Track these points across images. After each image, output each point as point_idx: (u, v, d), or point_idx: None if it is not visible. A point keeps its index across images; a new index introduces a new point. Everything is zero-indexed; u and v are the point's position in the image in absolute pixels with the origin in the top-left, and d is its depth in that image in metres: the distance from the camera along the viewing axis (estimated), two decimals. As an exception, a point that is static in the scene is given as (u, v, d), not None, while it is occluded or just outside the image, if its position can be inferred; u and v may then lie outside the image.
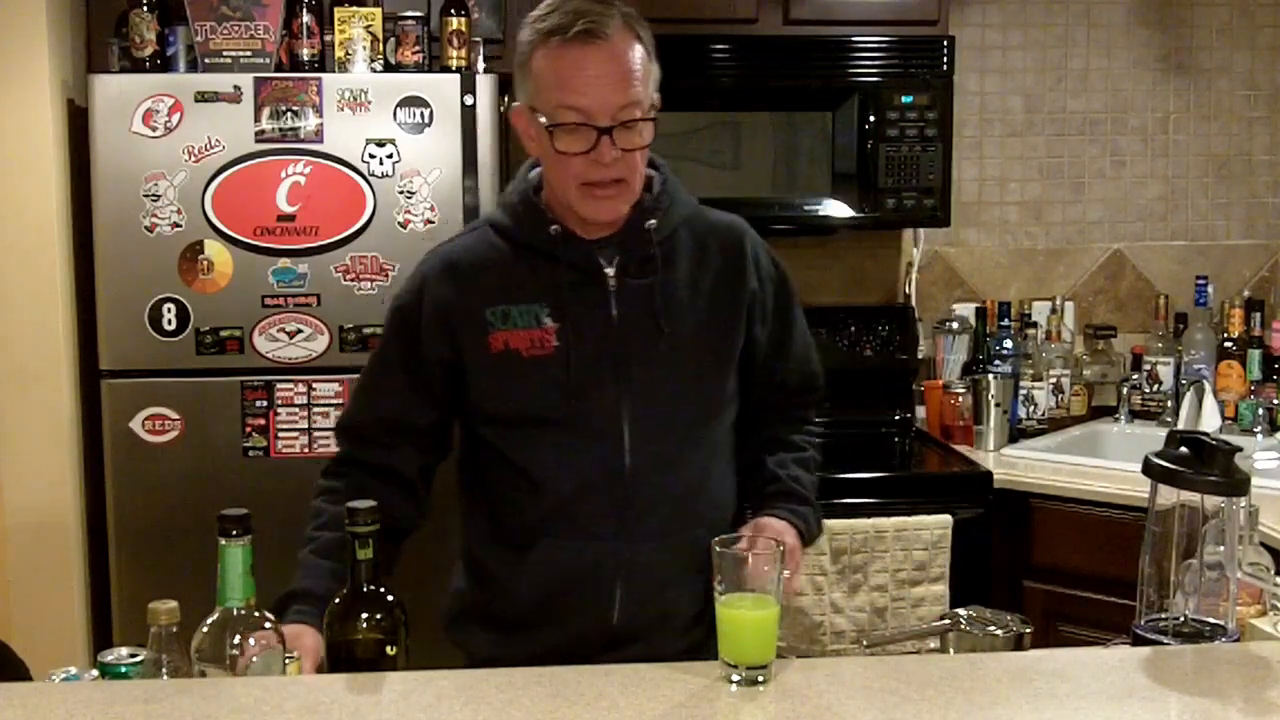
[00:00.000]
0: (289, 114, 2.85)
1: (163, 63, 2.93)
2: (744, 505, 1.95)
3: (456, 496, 1.97)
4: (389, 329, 1.90)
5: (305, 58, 2.94)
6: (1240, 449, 1.63)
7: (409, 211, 2.88)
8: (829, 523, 2.50)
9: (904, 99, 3.25)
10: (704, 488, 1.86)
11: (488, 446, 1.84)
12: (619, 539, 1.78)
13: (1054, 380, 3.52)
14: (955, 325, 3.57)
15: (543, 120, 1.73)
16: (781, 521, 1.83)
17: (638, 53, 1.73)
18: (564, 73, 1.71)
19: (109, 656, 1.54)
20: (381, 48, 2.96)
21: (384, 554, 1.74)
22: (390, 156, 2.87)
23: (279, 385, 2.89)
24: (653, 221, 1.81)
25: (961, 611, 1.73)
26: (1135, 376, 3.55)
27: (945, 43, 3.29)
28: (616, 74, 1.70)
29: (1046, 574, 2.99)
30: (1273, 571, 1.77)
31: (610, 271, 1.79)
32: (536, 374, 1.77)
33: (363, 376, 1.94)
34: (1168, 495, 1.63)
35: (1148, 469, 1.64)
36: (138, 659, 1.53)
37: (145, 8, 2.89)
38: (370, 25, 2.93)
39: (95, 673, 1.60)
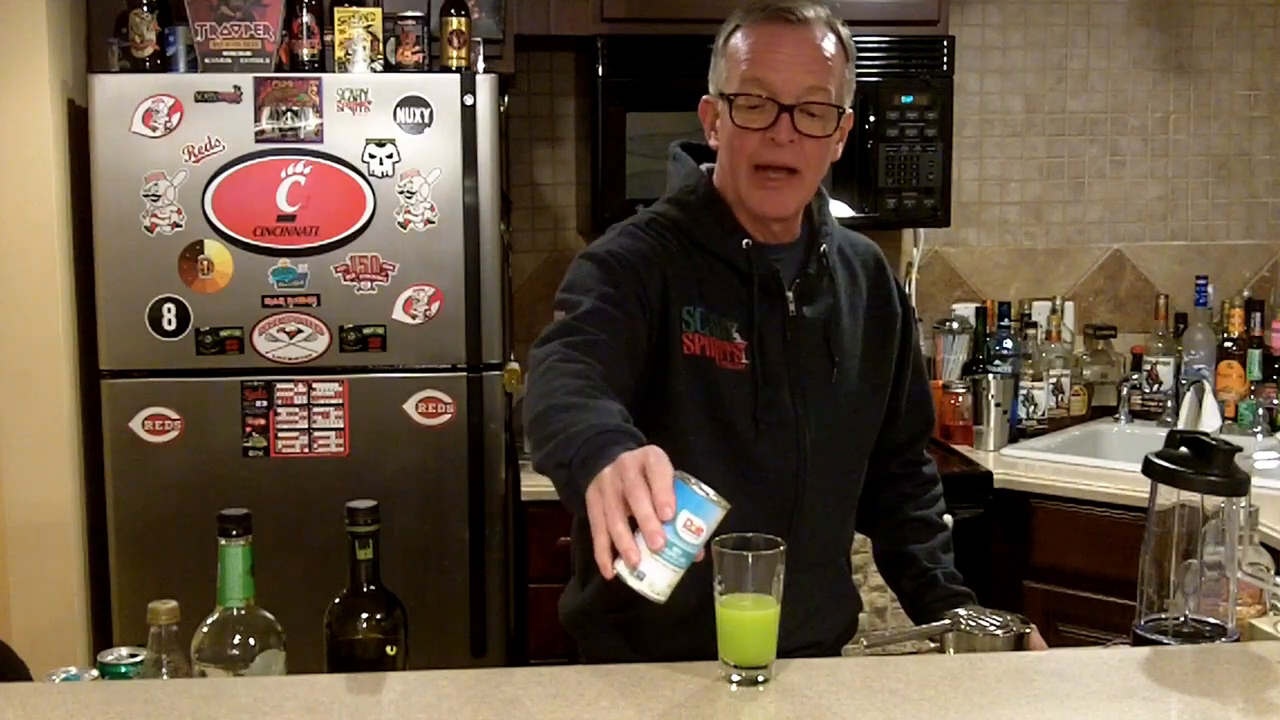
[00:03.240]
0: (289, 114, 2.85)
1: (163, 63, 2.93)
2: (906, 602, 1.93)
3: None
4: (598, 273, 1.66)
5: (305, 58, 2.94)
6: (1240, 449, 1.63)
7: (409, 211, 2.88)
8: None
9: (904, 99, 3.25)
10: (850, 518, 1.86)
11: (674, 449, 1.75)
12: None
13: (1054, 380, 3.52)
14: (955, 325, 3.57)
15: (727, 93, 1.69)
16: None
17: (833, 46, 1.69)
18: (756, 47, 1.69)
19: (109, 656, 1.54)
20: (381, 48, 2.96)
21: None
22: (390, 156, 2.87)
23: (279, 385, 2.89)
24: (825, 245, 1.78)
25: (961, 611, 1.72)
26: (1135, 376, 3.55)
27: (945, 43, 3.29)
28: (808, 56, 1.67)
29: (1046, 574, 2.99)
30: (1273, 571, 1.77)
31: (790, 295, 1.75)
32: (726, 387, 1.70)
33: (584, 299, 1.64)
34: (1168, 495, 1.63)
35: (1148, 469, 1.64)
36: (138, 659, 1.53)
37: (145, 8, 2.89)
38: (370, 25, 2.93)
39: (95, 673, 1.60)
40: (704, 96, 1.79)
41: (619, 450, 1.34)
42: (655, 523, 1.26)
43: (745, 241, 1.73)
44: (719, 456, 1.70)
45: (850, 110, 1.75)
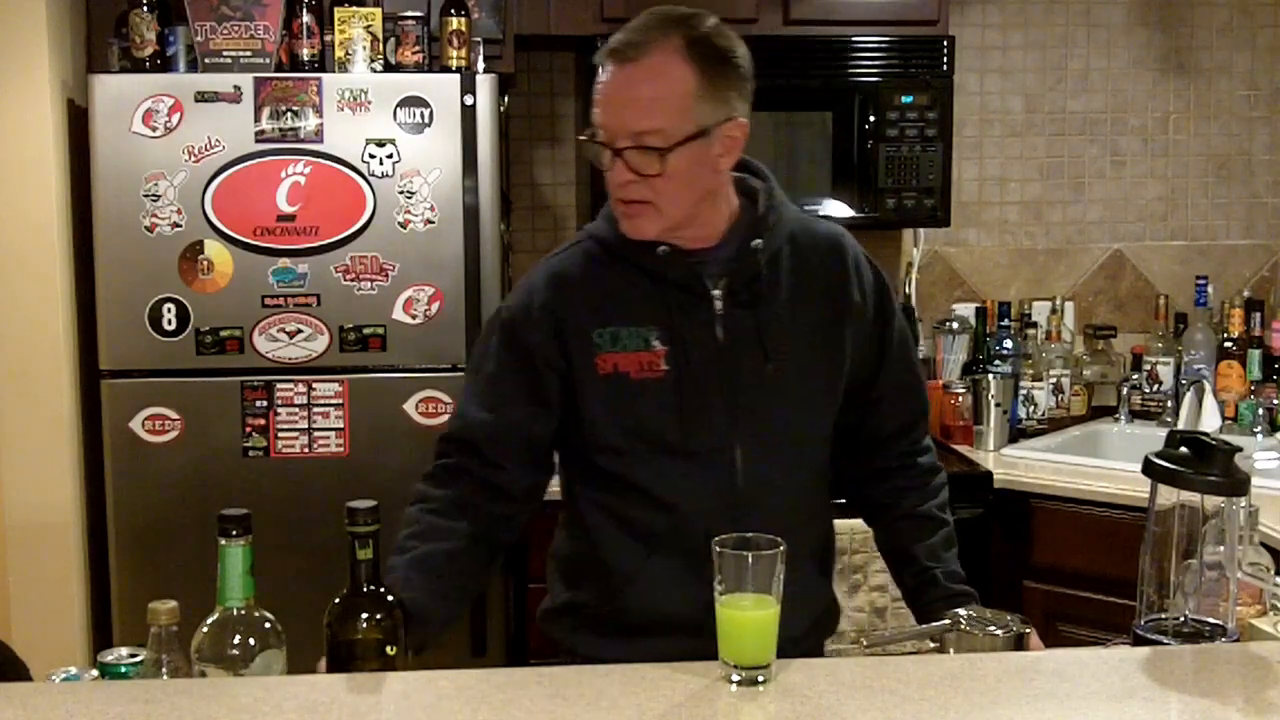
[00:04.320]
0: (289, 114, 2.85)
1: (163, 63, 2.93)
2: (908, 599, 1.94)
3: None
4: (498, 342, 1.84)
5: (305, 58, 2.94)
6: (1240, 449, 1.63)
7: (409, 211, 2.88)
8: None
9: (904, 99, 3.25)
10: (809, 508, 1.86)
11: (600, 466, 1.82)
12: None
13: (1054, 380, 3.52)
14: (955, 325, 3.57)
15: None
16: None
17: (677, 79, 1.69)
18: (596, 87, 1.74)
19: (109, 656, 1.54)
20: (381, 48, 2.96)
21: (473, 577, 1.78)
22: (390, 156, 2.87)
23: (279, 385, 2.89)
24: (759, 241, 1.79)
25: (961, 611, 1.72)
26: (1135, 376, 3.55)
27: (945, 43, 3.29)
28: (634, 98, 1.69)
29: (1046, 574, 2.99)
30: (1273, 571, 1.77)
31: (717, 293, 1.78)
32: (648, 398, 1.76)
33: (473, 387, 1.86)
34: (1168, 495, 1.63)
35: (1148, 469, 1.64)
36: (138, 659, 1.53)
37: (145, 8, 2.89)
38: (370, 25, 2.93)
39: (95, 673, 1.60)
40: None
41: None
42: None
43: (661, 249, 1.77)
44: (652, 462, 1.77)
45: (733, 119, 1.74)
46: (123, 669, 1.52)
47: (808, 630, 1.83)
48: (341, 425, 2.91)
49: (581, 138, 1.77)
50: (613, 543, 1.82)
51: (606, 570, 1.83)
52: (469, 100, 2.87)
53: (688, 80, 1.70)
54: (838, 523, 2.50)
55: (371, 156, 2.87)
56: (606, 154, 1.72)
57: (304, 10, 2.93)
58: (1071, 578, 2.94)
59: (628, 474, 1.79)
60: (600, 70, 1.73)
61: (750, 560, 1.49)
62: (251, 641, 1.51)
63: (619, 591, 1.81)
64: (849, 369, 1.87)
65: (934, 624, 1.74)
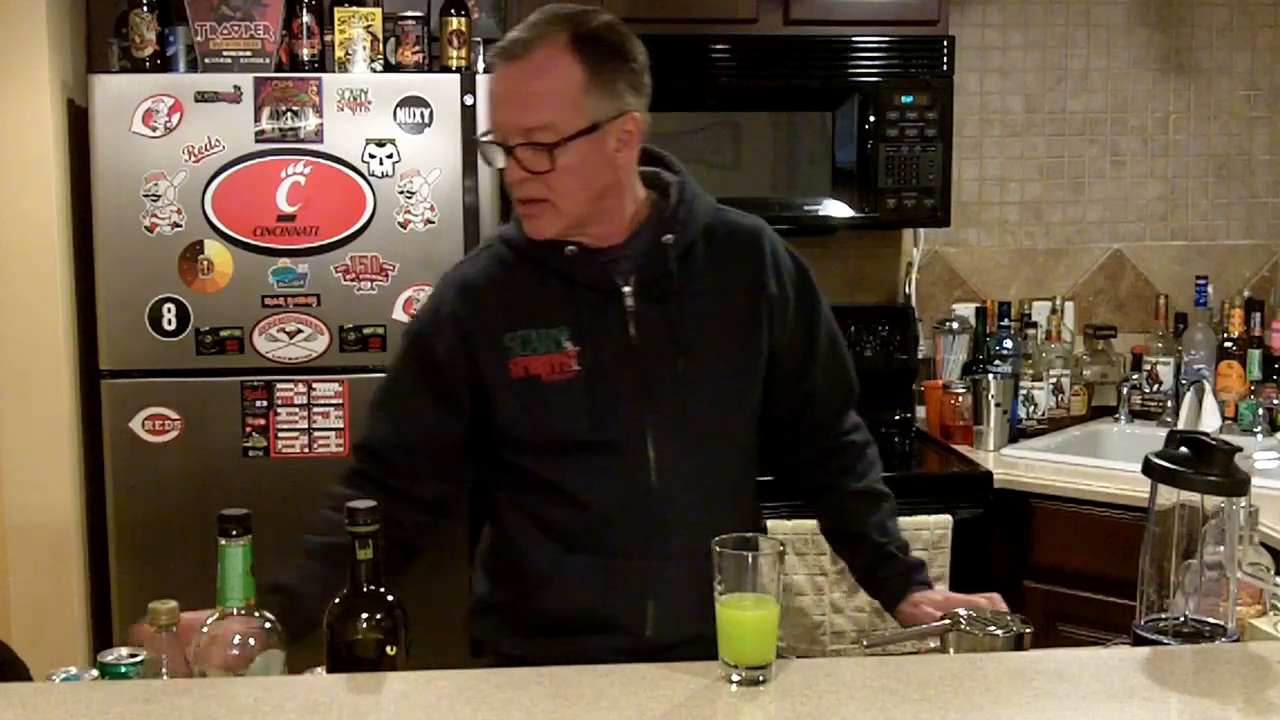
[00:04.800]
0: (289, 114, 2.85)
1: (163, 63, 2.93)
2: (860, 577, 1.95)
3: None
4: (406, 355, 1.87)
5: (305, 58, 2.95)
6: (1240, 449, 1.63)
7: (409, 211, 2.88)
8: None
9: (904, 99, 3.25)
10: (729, 502, 1.86)
11: (517, 467, 1.84)
12: (648, 557, 1.78)
13: (1054, 380, 3.52)
14: (955, 325, 3.57)
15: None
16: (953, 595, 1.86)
17: (564, 74, 1.69)
18: (490, 87, 1.76)
19: (109, 656, 1.54)
20: (381, 48, 2.96)
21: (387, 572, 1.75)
22: (390, 156, 2.87)
23: (279, 385, 2.89)
24: (669, 236, 1.80)
25: (961, 611, 1.72)
26: (1135, 376, 3.55)
27: (945, 43, 3.29)
28: (522, 94, 1.70)
29: (1046, 574, 2.99)
30: (1273, 571, 1.77)
31: (628, 290, 1.78)
32: (559, 399, 1.77)
33: (380, 397, 1.89)
34: (1168, 495, 1.63)
35: (1148, 469, 1.64)
36: (138, 659, 1.52)
37: (145, 8, 2.89)
38: (370, 25, 2.93)
39: (95, 673, 1.60)
40: None
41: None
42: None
43: (569, 249, 1.78)
44: (562, 460, 1.79)
45: (626, 114, 1.74)
46: (123, 669, 1.52)
47: None
48: (341, 425, 2.91)
49: (476, 138, 1.78)
50: (530, 542, 1.83)
51: (525, 569, 1.84)
52: (469, 100, 2.87)
53: (576, 75, 1.70)
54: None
55: (371, 156, 2.87)
56: (499, 153, 1.73)
57: (304, 10, 2.93)
58: (1071, 578, 2.94)
59: (543, 474, 1.80)
60: (492, 70, 1.75)
61: (750, 560, 1.49)
62: (251, 641, 1.51)
63: (537, 590, 1.82)
64: (771, 361, 1.87)
65: (934, 624, 1.74)
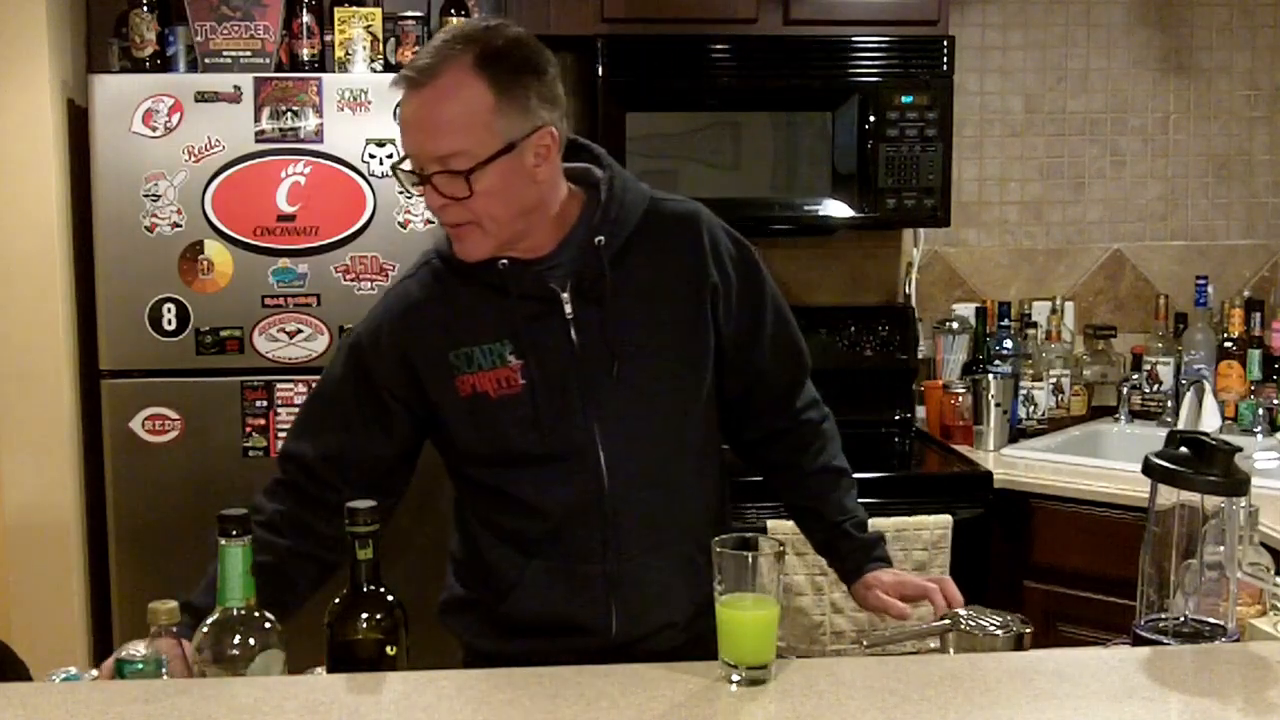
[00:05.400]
0: (289, 114, 2.85)
1: (163, 63, 2.93)
2: (821, 552, 1.97)
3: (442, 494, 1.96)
4: (342, 364, 1.84)
5: (305, 58, 2.95)
6: (1240, 449, 1.63)
7: (409, 211, 2.88)
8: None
9: (904, 99, 3.25)
10: (685, 497, 1.85)
11: (473, 480, 1.84)
12: (607, 559, 1.78)
13: (1054, 380, 3.52)
14: (955, 325, 3.57)
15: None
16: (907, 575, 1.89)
17: (472, 97, 1.65)
18: (399, 114, 1.73)
19: (125, 652, 1.53)
20: (381, 48, 2.96)
21: (288, 591, 1.75)
22: (390, 156, 2.87)
23: (279, 385, 2.89)
24: (601, 238, 1.76)
25: (961, 611, 1.72)
26: (1135, 376, 3.55)
27: (945, 43, 3.29)
28: (432, 122, 1.66)
29: (1046, 574, 2.99)
30: (1273, 571, 1.77)
31: (566, 296, 1.76)
32: (507, 414, 1.76)
33: (308, 406, 1.88)
34: (1168, 495, 1.63)
35: (1148, 469, 1.64)
36: (154, 660, 1.52)
37: (145, 8, 2.89)
38: (370, 25, 2.93)
39: (95, 673, 1.60)
40: None
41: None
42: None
43: (501, 263, 1.75)
44: (514, 472, 1.78)
45: (542, 128, 1.69)
46: (139, 665, 1.51)
47: (698, 613, 1.77)
48: (341, 425, 2.90)
49: (390, 165, 1.76)
50: (494, 550, 1.83)
51: (491, 575, 1.84)
52: (469, 100, 2.87)
53: (483, 97, 1.65)
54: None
55: (371, 156, 2.87)
56: (414, 180, 1.70)
57: (304, 10, 2.93)
58: (1071, 578, 2.94)
59: (499, 485, 1.80)
60: (399, 96, 1.71)
61: (750, 560, 1.49)
62: (251, 641, 1.51)
63: (505, 595, 1.82)
64: (718, 346, 1.85)
65: (934, 624, 1.74)
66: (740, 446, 2.01)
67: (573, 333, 1.76)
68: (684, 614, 1.82)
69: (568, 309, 1.76)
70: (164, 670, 1.51)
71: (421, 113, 1.67)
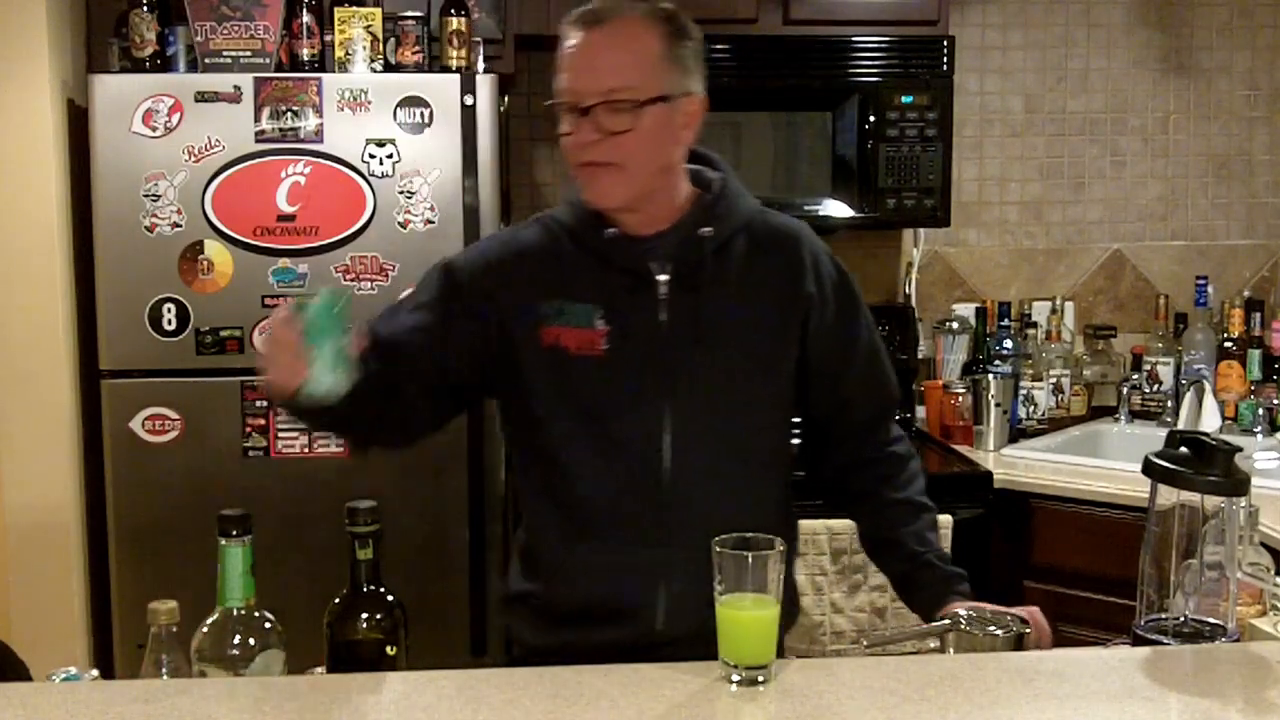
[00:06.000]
0: (289, 114, 2.85)
1: (163, 63, 2.93)
2: (898, 586, 1.94)
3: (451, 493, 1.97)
4: (432, 281, 1.87)
5: (305, 58, 2.94)
6: (1240, 449, 1.63)
7: (409, 211, 2.88)
8: (829, 523, 2.50)
9: (904, 99, 3.25)
10: (745, 498, 1.85)
11: (533, 448, 1.85)
12: (659, 546, 1.78)
13: (1054, 380, 3.52)
14: (955, 325, 3.57)
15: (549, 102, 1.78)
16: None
17: (644, 41, 1.73)
18: (561, 55, 1.76)
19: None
20: (381, 48, 2.96)
21: (366, 399, 1.73)
22: (390, 156, 2.87)
23: (279, 385, 2.89)
24: (707, 229, 1.81)
25: (961, 611, 1.72)
26: (1135, 376, 3.55)
27: (945, 43, 3.29)
28: (602, 57, 1.72)
29: (1046, 574, 2.99)
30: (1273, 571, 1.77)
31: (662, 278, 1.79)
32: (581, 373, 1.78)
33: (401, 303, 1.90)
34: (1168, 495, 1.63)
35: (1148, 469, 1.64)
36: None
37: (145, 8, 2.89)
38: (370, 25, 2.93)
39: (95, 673, 1.60)
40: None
41: None
42: (287, 355, 1.60)
43: (609, 231, 1.80)
44: (582, 440, 1.79)
45: (692, 94, 1.78)
46: (318, 306, 1.60)
47: None
48: (341, 425, 2.90)
49: (546, 104, 1.79)
50: (547, 529, 1.85)
51: (543, 558, 1.85)
52: (469, 100, 2.87)
53: (655, 44, 1.74)
54: (835, 523, 2.50)
55: (371, 156, 2.87)
56: (572, 115, 1.74)
57: (304, 10, 2.93)
58: (1071, 578, 2.94)
59: (559, 454, 1.81)
60: (565, 40, 1.76)
61: (750, 560, 1.49)
62: (251, 641, 1.51)
63: (553, 579, 1.83)
64: (805, 363, 1.87)
65: (934, 624, 1.74)
66: (824, 476, 2.00)
67: (661, 314, 1.79)
68: None
69: (662, 290, 1.79)
70: (163, 671, 1.51)
71: (595, 49, 1.73)
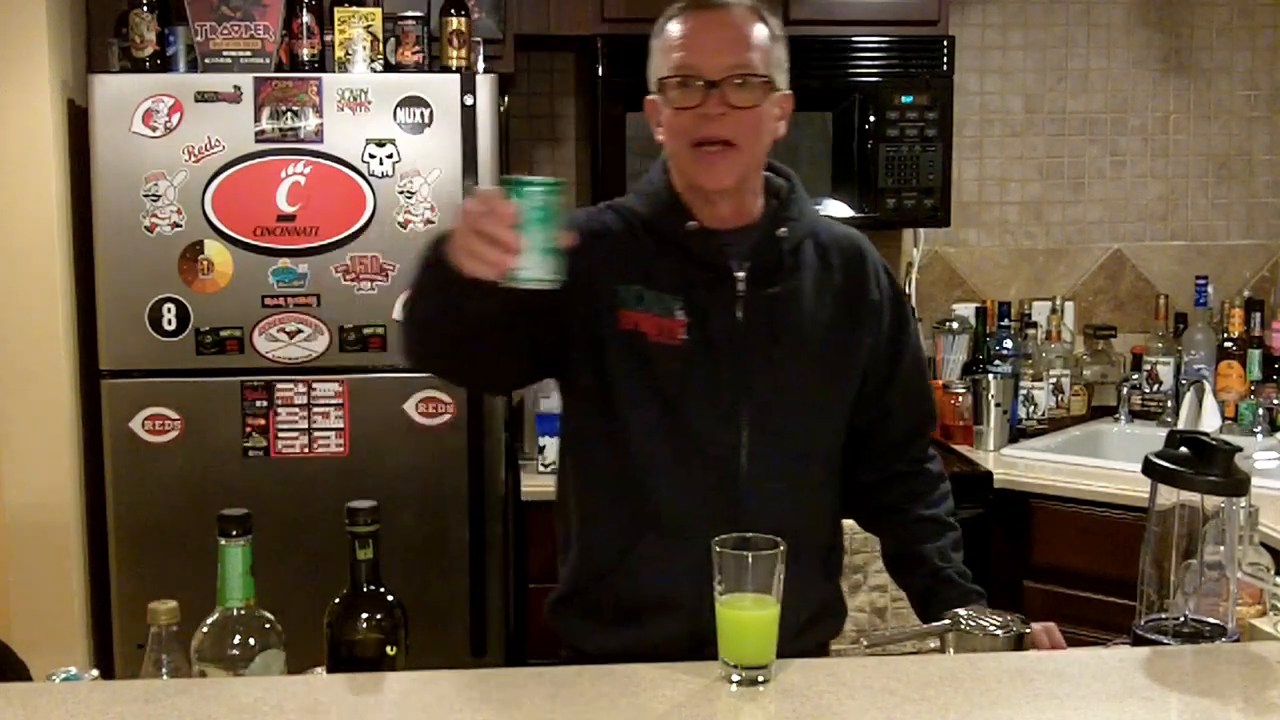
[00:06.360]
0: (289, 114, 2.85)
1: (163, 63, 2.93)
2: (918, 602, 1.93)
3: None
4: None
5: (305, 58, 2.94)
6: (1240, 449, 1.63)
7: (409, 211, 2.88)
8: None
9: (904, 99, 3.25)
10: (812, 500, 1.86)
11: (602, 433, 1.82)
12: None
13: (1054, 380, 3.52)
14: (955, 325, 3.57)
15: (661, 77, 1.78)
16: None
17: (758, 28, 1.77)
18: (682, 33, 1.78)
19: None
20: (381, 48, 2.96)
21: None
22: (390, 156, 2.87)
23: (279, 385, 2.89)
24: (783, 230, 1.82)
25: (961, 611, 1.72)
26: (1135, 376, 3.55)
27: (945, 43, 3.29)
28: (729, 36, 1.75)
29: (1046, 574, 2.99)
30: (1273, 571, 1.77)
31: (740, 275, 1.79)
32: (660, 362, 1.77)
33: None
34: (1168, 495, 1.63)
35: (1148, 469, 1.64)
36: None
37: (145, 8, 2.89)
38: (370, 25, 2.93)
39: (95, 673, 1.60)
40: (647, 97, 1.86)
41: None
42: (506, 232, 1.48)
43: (691, 224, 1.80)
44: (656, 429, 1.78)
45: (788, 93, 1.82)
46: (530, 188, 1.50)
47: (804, 627, 1.82)
48: (341, 425, 2.91)
49: (659, 78, 1.79)
50: (607, 521, 1.83)
51: (599, 552, 1.83)
52: (469, 100, 2.87)
53: (766, 34, 1.78)
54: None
55: (371, 156, 2.87)
56: (691, 92, 1.74)
57: (304, 10, 2.93)
58: (1071, 578, 2.94)
59: (632, 441, 1.79)
60: (677, 23, 1.78)
61: (750, 560, 1.49)
62: (251, 641, 1.51)
63: (610, 573, 1.81)
64: (862, 372, 1.89)
65: (934, 624, 1.74)
66: (853, 490, 1.99)
67: (739, 311, 1.79)
68: (789, 623, 1.83)
69: (740, 287, 1.79)
70: (163, 671, 1.51)
71: (724, 25, 1.76)
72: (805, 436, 1.84)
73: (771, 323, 1.80)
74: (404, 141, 2.87)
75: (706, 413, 1.78)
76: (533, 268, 1.49)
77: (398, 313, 1.75)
